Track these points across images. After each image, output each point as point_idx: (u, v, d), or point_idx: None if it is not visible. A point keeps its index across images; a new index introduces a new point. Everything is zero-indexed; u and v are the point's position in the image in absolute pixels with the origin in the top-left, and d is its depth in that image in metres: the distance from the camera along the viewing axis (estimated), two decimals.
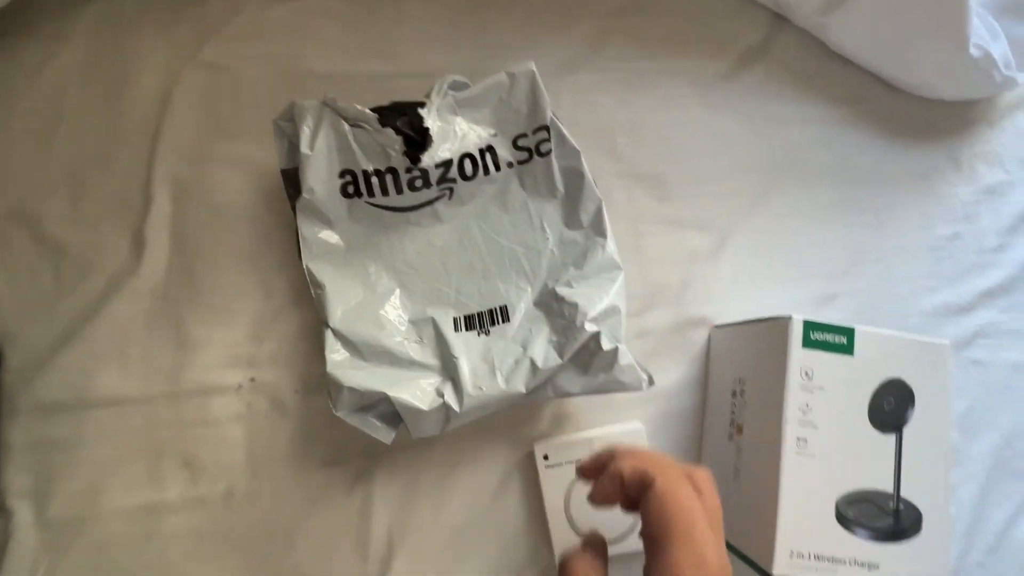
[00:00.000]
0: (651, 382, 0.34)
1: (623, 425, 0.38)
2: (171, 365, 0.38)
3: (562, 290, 0.36)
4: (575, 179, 0.39)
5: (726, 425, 0.36)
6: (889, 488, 0.29)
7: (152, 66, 0.42)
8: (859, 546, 0.29)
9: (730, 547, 0.32)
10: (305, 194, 0.36)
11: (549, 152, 0.39)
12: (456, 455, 0.38)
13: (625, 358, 0.34)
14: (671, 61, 0.44)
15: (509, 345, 0.35)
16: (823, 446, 0.29)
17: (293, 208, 0.37)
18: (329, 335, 0.35)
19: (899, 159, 0.44)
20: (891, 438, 0.30)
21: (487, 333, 0.37)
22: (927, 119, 0.45)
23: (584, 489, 0.35)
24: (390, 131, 0.36)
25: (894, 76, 0.43)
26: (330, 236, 0.38)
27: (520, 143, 0.39)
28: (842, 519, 0.29)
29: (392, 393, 0.33)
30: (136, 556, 0.36)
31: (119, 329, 0.38)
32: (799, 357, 0.30)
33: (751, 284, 0.41)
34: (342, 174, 0.37)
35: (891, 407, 0.30)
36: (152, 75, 0.42)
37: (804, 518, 0.28)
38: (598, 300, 0.35)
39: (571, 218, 0.39)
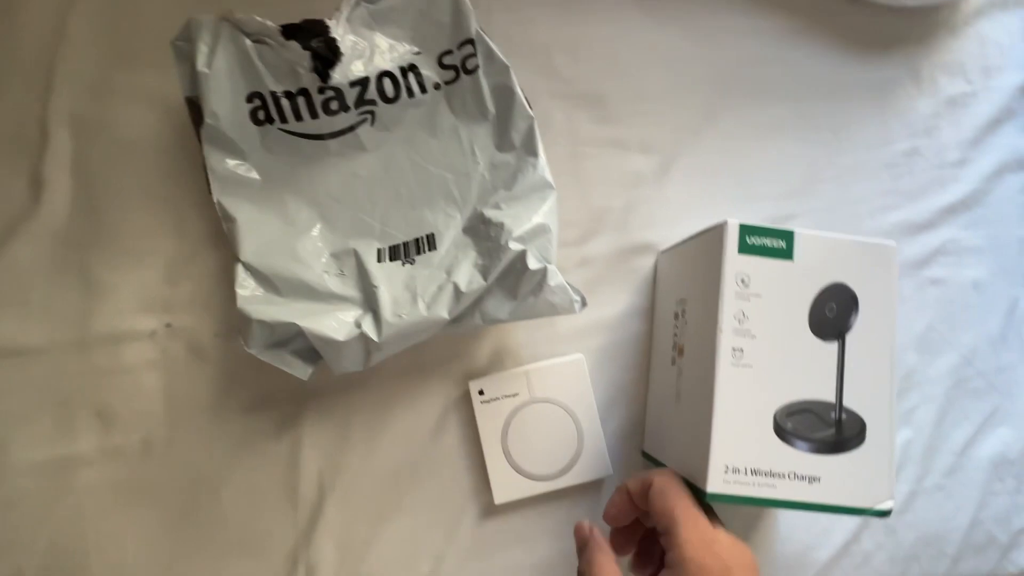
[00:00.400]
0: (584, 304, 0.32)
1: (563, 358, 0.36)
2: (78, 312, 0.35)
3: (490, 212, 0.34)
4: (505, 97, 0.36)
5: (669, 350, 0.34)
6: (831, 398, 0.27)
7: None
8: (799, 459, 0.27)
9: None
10: (208, 119, 0.33)
11: (476, 68, 0.36)
12: (390, 395, 0.36)
13: (555, 278, 0.31)
14: None
15: (434, 272, 0.33)
16: (761, 356, 0.27)
17: (200, 138, 0.34)
18: (239, 269, 0.33)
19: (856, 72, 0.42)
20: (833, 346, 0.28)
21: (412, 262, 0.34)
22: (886, 29, 0.42)
23: (522, 422, 0.33)
24: (295, 45, 0.33)
25: None
26: (241, 168, 0.35)
27: (445, 60, 0.36)
28: (781, 431, 0.27)
29: (305, 325, 0.30)
30: (49, 511, 0.34)
31: (18, 276, 0.35)
32: (734, 263, 0.28)
33: (699, 207, 0.39)
34: (250, 98, 0.34)
35: (833, 313, 0.28)
36: (43, 3, 0.38)
37: (740, 432, 0.27)
38: (525, 219, 0.32)
39: (502, 139, 0.36)
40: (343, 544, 0.35)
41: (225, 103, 0.34)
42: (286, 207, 0.35)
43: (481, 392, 0.35)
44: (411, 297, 0.32)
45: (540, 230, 0.32)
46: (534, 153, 0.35)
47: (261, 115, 0.35)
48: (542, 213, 0.33)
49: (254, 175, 0.35)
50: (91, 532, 0.34)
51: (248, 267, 0.33)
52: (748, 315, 0.27)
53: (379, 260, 0.34)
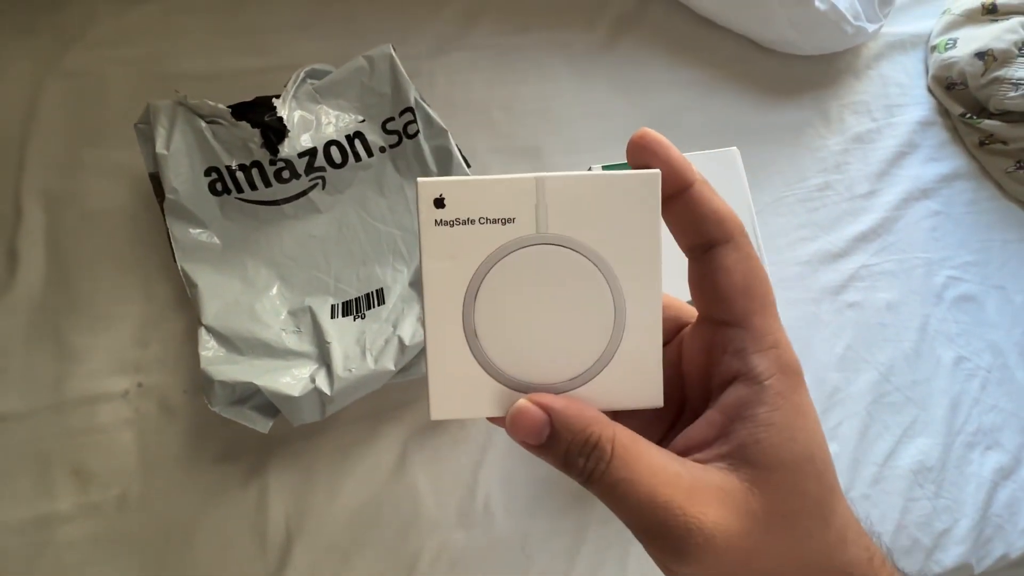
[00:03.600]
0: None
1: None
2: (54, 377, 0.38)
3: None
4: (445, 157, 0.39)
5: None
6: None
7: (14, 78, 0.41)
8: None
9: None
10: (169, 195, 0.36)
11: (417, 133, 0.39)
12: (349, 440, 0.39)
13: None
14: (542, 34, 0.45)
15: (382, 326, 0.36)
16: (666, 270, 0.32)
17: (163, 211, 0.37)
18: (202, 332, 0.35)
19: (770, 116, 0.45)
20: None
21: (363, 317, 0.37)
22: (795, 76, 0.46)
23: (510, 278, 0.18)
24: (245, 124, 0.36)
25: (757, 35, 0.44)
26: (203, 235, 0.38)
27: (389, 126, 0.40)
28: None
29: (262, 383, 0.33)
30: (30, 567, 0.36)
31: None
32: None
33: None
34: (207, 172, 0.37)
35: None
36: (14, 87, 0.41)
37: None
38: None
39: None
40: None
41: (184, 178, 0.37)
42: (246, 269, 0.38)
43: (440, 202, 0.17)
44: (360, 351, 0.35)
45: None
46: None
47: (219, 187, 0.38)
48: None
49: (215, 241, 0.38)
50: None
51: (210, 330, 0.36)
52: None
53: (332, 316, 0.37)
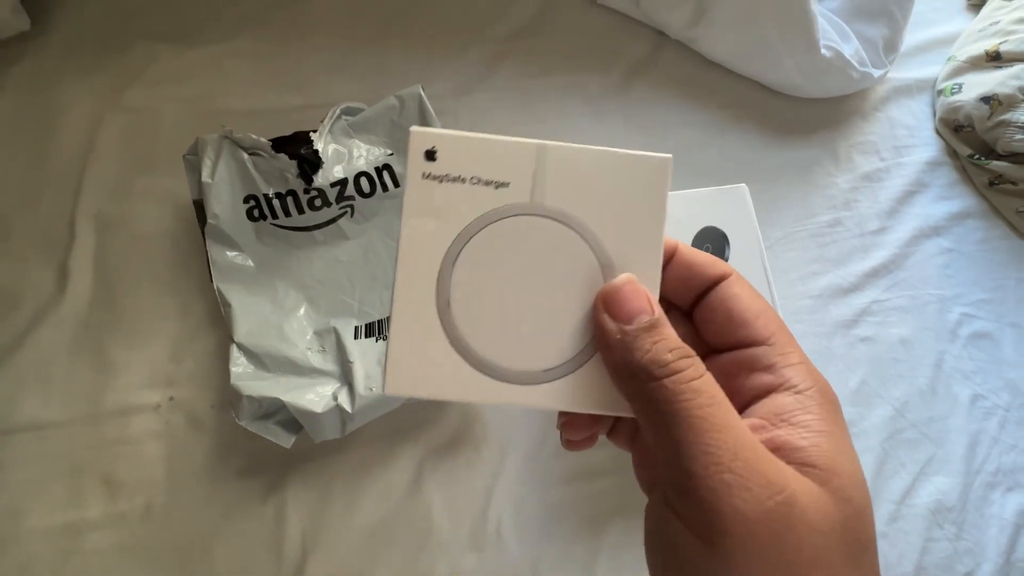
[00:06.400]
0: None
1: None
2: (92, 388, 0.40)
3: None
4: None
5: None
6: None
7: (77, 113, 0.45)
8: None
9: None
10: (210, 220, 0.39)
11: None
12: (367, 458, 0.40)
13: None
14: (562, 78, 0.48)
15: None
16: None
17: (204, 235, 0.40)
18: (233, 349, 0.37)
19: (780, 154, 0.47)
20: None
21: (385, 338, 0.39)
22: (804, 116, 0.48)
23: (496, 247, 0.16)
24: (284, 156, 0.39)
25: (765, 79, 0.46)
26: (239, 258, 0.40)
27: None
28: None
29: (287, 399, 0.35)
30: (57, 574, 0.37)
31: (42, 357, 0.40)
32: None
33: None
34: (246, 199, 0.40)
35: (710, 251, 0.33)
36: (77, 121, 0.45)
37: None
38: None
39: None
40: None
41: (225, 205, 0.39)
42: (276, 291, 0.41)
43: (431, 155, 0.17)
44: (381, 371, 0.36)
45: None
46: None
47: (256, 213, 0.40)
48: None
49: (249, 264, 0.41)
50: None
51: (241, 347, 0.38)
52: None
53: (356, 337, 0.39)
